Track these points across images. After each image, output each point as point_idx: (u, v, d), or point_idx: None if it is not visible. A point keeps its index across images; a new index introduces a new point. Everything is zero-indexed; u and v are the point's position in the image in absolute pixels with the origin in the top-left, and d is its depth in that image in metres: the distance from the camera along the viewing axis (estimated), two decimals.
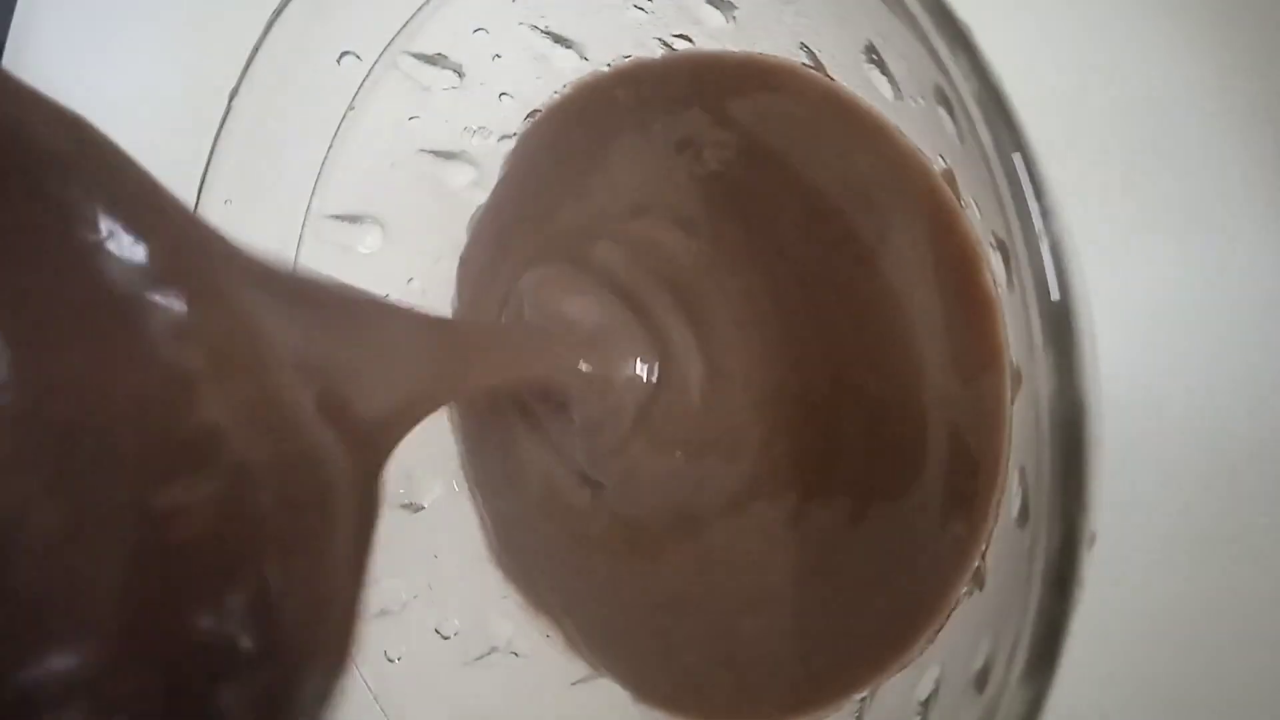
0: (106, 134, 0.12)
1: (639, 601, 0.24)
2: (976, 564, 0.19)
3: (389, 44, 0.24)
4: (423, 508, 0.26)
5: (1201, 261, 0.21)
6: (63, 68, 0.31)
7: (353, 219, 0.25)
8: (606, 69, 0.25)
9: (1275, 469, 0.20)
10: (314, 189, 0.24)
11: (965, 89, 0.14)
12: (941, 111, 0.19)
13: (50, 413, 0.10)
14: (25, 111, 0.11)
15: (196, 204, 0.23)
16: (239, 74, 0.22)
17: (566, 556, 0.25)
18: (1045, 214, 0.14)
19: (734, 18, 0.24)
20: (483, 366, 0.20)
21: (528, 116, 0.26)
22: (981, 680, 0.17)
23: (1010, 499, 0.19)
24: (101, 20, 0.31)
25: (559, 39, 0.25)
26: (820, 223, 0.22)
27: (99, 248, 0.11)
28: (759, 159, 0.23)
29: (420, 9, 0.23)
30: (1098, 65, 0.22)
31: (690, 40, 0.24)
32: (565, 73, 0.26)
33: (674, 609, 0.23)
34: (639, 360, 0.22)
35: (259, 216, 0.24)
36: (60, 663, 0.10)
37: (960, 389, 0.19)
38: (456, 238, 0.28)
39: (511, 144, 0.27)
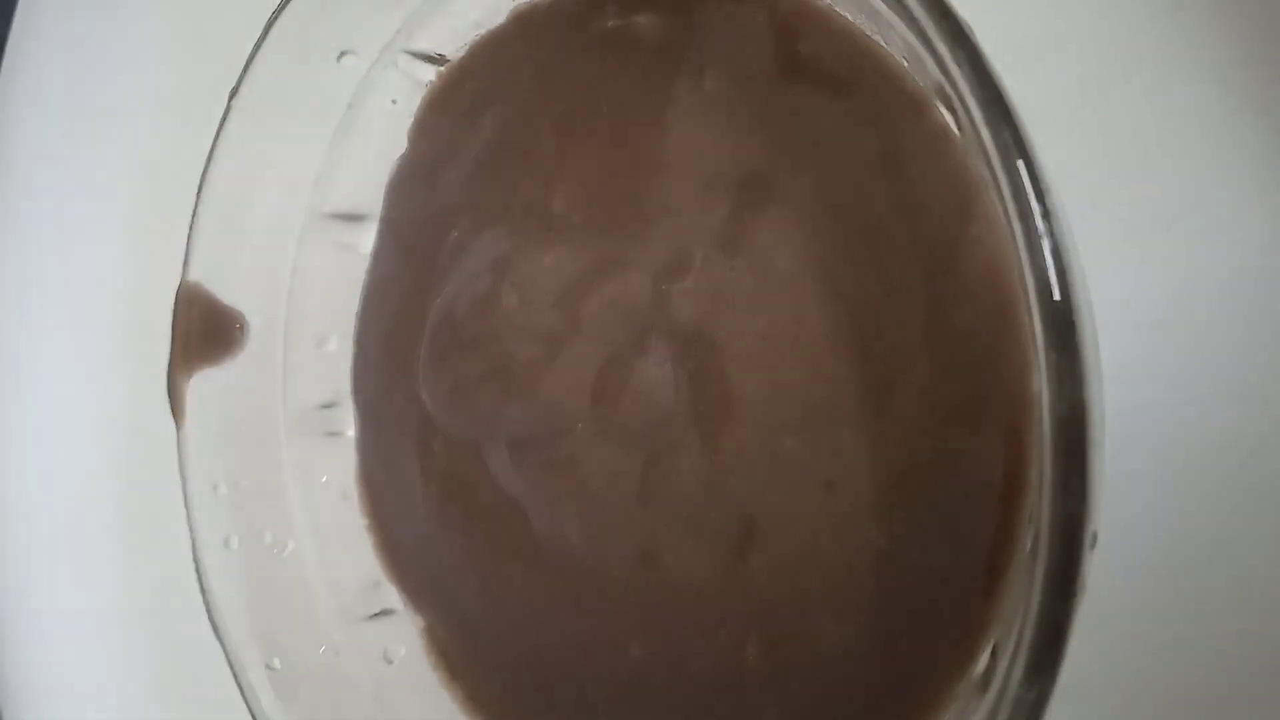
0: None
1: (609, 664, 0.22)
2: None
3: (389, 43, 0.24)
4: None
5: (1204, 262, 0.21)
6: (63, 68, 0.31)
7: (352, 217, 0.25)
8: None
9: (1278, 469, 0.20)
10: (314, 188, 0.24)
11: (966, 89, 0.14)
12: (942, 111, 0.19)
13: None
14: None
15: (197, 202, 0.23)
16: (239, 73, 0.22)
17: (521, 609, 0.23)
18: (1047, 215, 0.14)
19: None
20: None
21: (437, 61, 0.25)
22: (984, 681, 0.17)
23: None
24: (102, 20, 0.31)
25: None
26: (838, 194, 0.21)
27: None
28: (768, 91, 0.21)
29: (419, 8, 0.23)
30: (1101, 65, 0.22)
31: None
32: None
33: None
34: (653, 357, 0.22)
35: (259, 215, 0.24)
36: None
37: (990, 394, 0.18)
38: None
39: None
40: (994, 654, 0.18)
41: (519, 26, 0.24)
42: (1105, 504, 0.14)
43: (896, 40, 0.19)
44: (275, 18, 0.22)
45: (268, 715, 0.21)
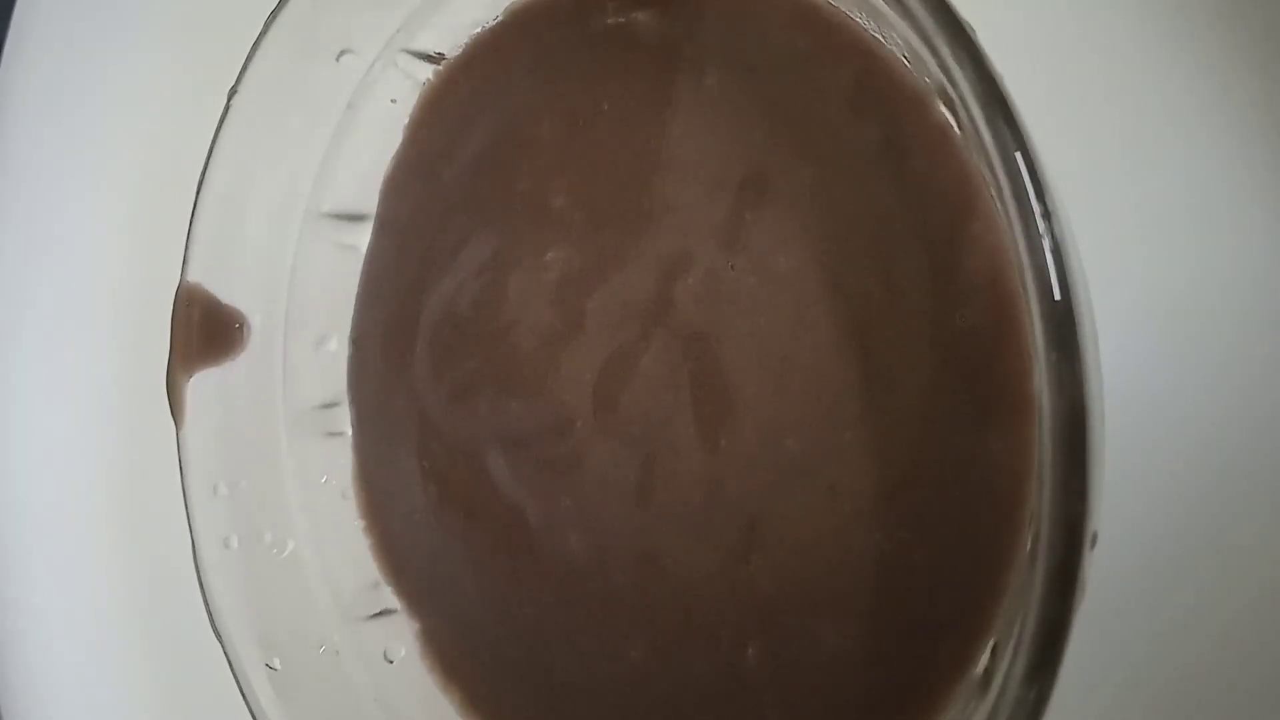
0: None
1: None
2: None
3: (388, 42, 0.24)
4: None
5: (1204, 261, 0.21)
6: (63, 67, 0.31)
7: (352, 217, 0.25)
8: None
9: (1277, 469, 0.20)
10: (313, 187, 0.24)
11: (967, 88, 0.14)
12: (943, 110, 0.19)
13: None
14: None
15: (196, 202, 0.23)
16: (238, 72, 0.22)
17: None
18: (1047, 214, 0.14)
19: None
20: None
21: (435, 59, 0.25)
22: (984, 681, 0.17)
23: None
24: (100, 19, 0.31)
25: None
26: (838, 193, 0.20)
27: None
28: (768, 88, 0.21)
29: (418, 7, 0.23)
30: (1101, 65, 0.22)
31: None
32: None
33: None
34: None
35: (259, 214, 0.24)
36: None
37: (990, 394, 0.18)
38: None
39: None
40: (994, 654, 0.18)
41: (517, 24, 0.24)
42: (1105, 504, 0.14)
43: (897, 38, 0.19)
44: (274, 16, 0.22)
45: (268, 715, 0.21)
